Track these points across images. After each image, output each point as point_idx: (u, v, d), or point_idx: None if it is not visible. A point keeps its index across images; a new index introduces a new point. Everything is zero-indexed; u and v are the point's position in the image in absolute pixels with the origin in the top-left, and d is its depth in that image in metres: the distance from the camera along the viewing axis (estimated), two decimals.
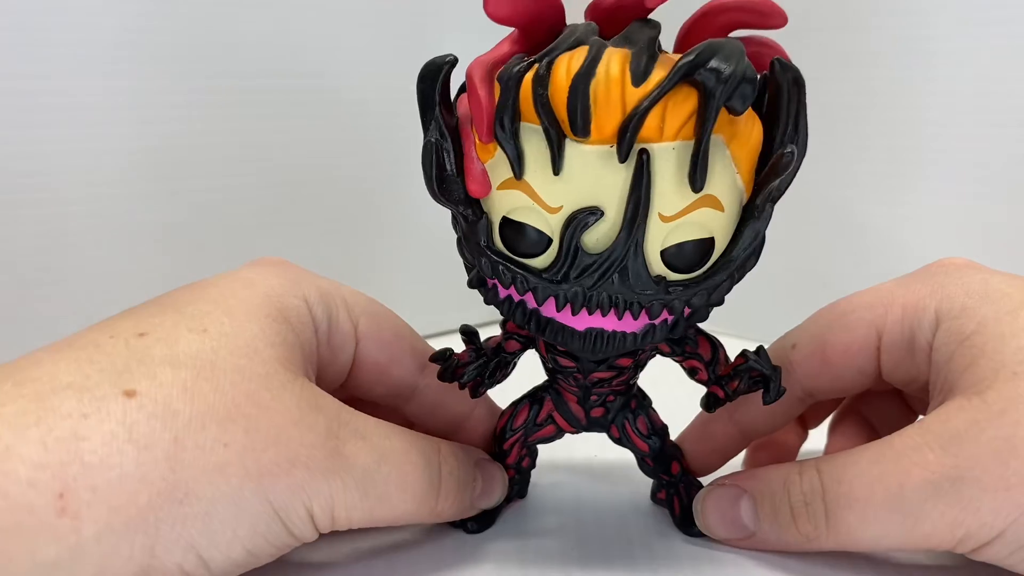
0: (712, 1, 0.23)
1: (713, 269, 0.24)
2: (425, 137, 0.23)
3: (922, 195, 0.46)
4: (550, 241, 0.23)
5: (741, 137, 0.23)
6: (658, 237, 0.23)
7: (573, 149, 0.22)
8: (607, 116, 0.21)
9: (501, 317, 0.28)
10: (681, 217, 0.22)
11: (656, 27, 0.23)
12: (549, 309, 0.24)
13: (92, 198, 0.39)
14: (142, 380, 0.21)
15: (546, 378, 0.30)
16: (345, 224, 0.48)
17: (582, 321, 0.24)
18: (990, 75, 0.43)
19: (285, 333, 0.24)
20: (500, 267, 0.24)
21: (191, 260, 0.43)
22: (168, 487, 0.20)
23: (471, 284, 0.25)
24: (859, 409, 0.32)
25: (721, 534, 0.28)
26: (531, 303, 0.24)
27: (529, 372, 0.30)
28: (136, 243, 0.41)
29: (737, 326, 0.45)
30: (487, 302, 0.25)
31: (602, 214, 0.22)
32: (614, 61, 0.21)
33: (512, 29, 0.23)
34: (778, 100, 0.23)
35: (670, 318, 0.24)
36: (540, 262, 0.23)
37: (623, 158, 0.21)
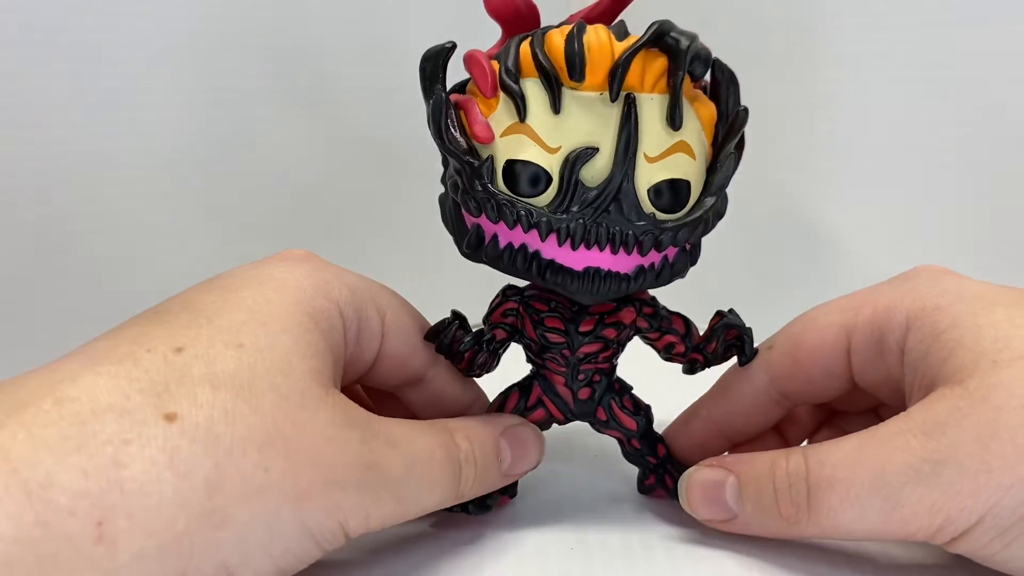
0: None
1: (692, 211, 0.27)
2: (431, 98, 0.26)
3: (889, 199, 0.47)
4: (550, 179, 0.26)
5: (701, 101, 0.27)
6: (645, 176, 0.26)
7: (568, 95, 0.25)
8: (599, 62, 0.25)
9: (493, 311, 0.29)
10: (663, 159, 0.26)
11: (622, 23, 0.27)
12: (550, 248, 0.26)
13: (106, 198, 0.39)
14: (183, 402, 0.21)
15: (530, 370, 0.30)
16: (345, 225, 0.48)
17: (580, 260, 0.26)
18: (948, 78, 0.43)
19: (317, 343, 0.24)
20: (505, 205, 0.26)
21: (204, 256, 0.42)
22: (205, 513, 0.20)
23: (468, 244, 0.27)
24: (840, 426, 0.32)
25: (703, 514, 0.28)
26: (532, 245, 0.26)
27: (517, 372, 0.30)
28: (149, 240, 0.41)
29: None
30: (485, 258, 0.27)
31: (597, 151, 0.25)
32: (599, 27, 0.25)
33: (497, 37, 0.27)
34: (718, 90, 0.27)
35: (657, 261, 0.27)
36: (541, 200, 0.26)
37: (614, 96, 0.25)
